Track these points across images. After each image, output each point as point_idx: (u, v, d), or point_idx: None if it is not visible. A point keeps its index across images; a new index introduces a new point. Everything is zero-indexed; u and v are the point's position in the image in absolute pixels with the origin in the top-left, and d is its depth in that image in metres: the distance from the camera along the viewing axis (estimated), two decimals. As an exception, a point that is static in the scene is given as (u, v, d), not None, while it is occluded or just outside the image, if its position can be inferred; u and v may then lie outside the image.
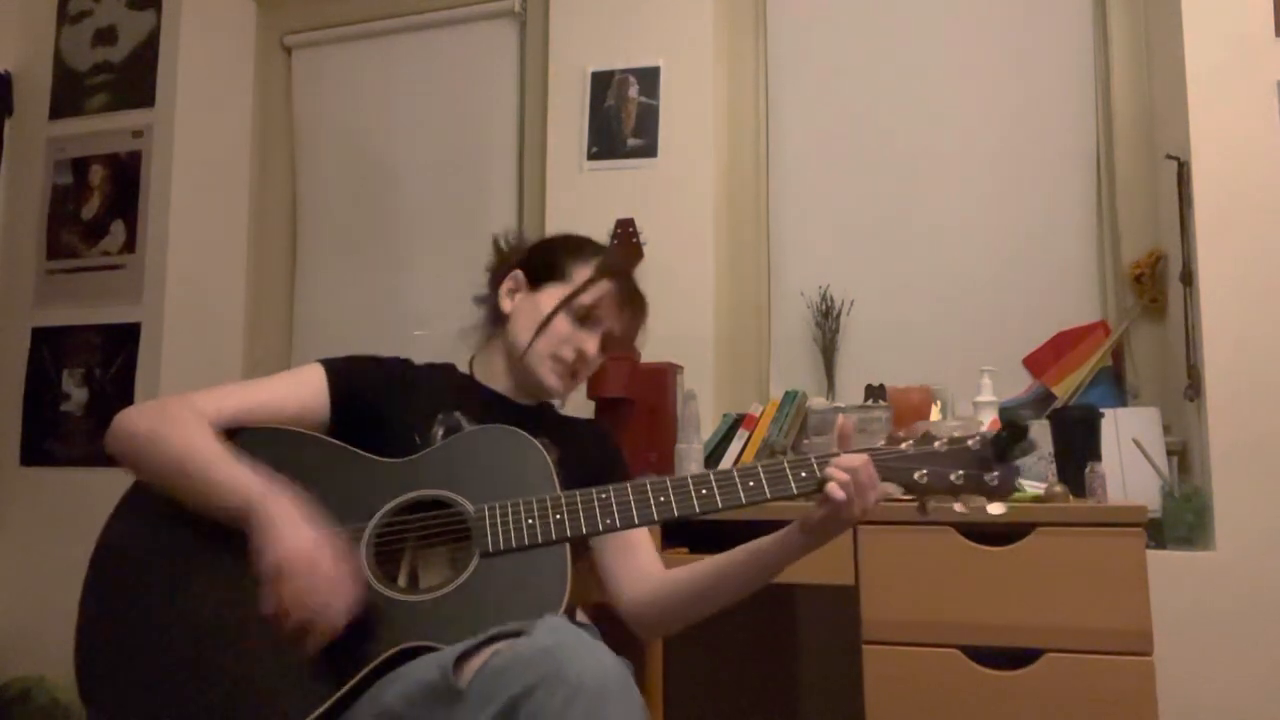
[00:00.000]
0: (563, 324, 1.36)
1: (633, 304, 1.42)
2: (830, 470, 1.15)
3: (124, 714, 1.07)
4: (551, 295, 1.38)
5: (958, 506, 1.18)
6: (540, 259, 1.43)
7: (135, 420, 1.21)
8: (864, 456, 1.16)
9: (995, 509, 1.17)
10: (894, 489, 1.21)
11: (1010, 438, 1.16)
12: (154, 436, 1.18)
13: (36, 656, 2.45)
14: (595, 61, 2.56)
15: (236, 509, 1.11)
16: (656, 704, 1.50)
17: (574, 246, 1.44)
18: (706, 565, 1.29)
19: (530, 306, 1.39)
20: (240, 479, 1.13)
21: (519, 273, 1.43)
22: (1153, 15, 2.25)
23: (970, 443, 1.18)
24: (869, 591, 1.69)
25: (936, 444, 1.19)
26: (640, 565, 1.35)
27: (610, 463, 1.44)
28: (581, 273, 1.38)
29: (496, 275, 1.47)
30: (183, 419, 1.19)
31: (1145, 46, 2.28)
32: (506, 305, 1.42)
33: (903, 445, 1.20)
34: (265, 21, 3.01)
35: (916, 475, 1.17)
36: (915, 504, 1.20)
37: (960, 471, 1.17)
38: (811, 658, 2.27)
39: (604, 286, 1.38)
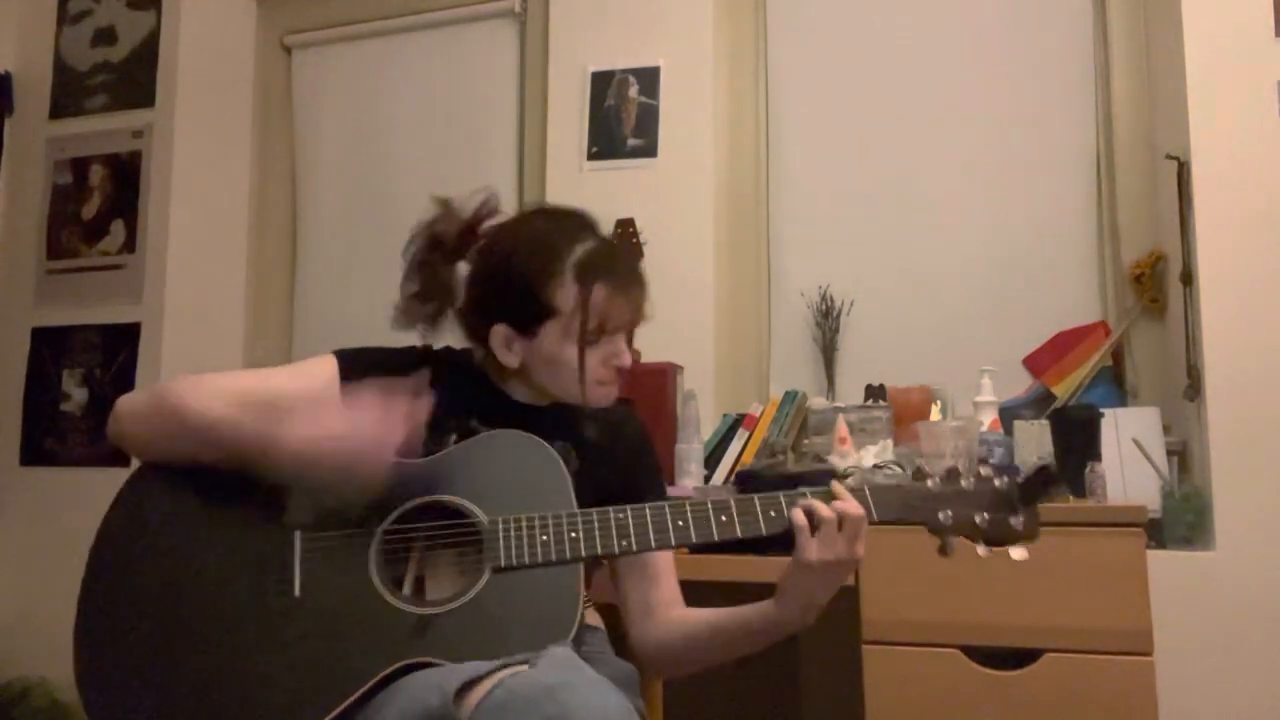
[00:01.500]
0: (588, 356, 1.24)
1: (632, 283, 1.26)
2: (796, 511, 1.13)
3: (120, 717, 1.07)
4: (554, 337, 1.24)
5: (980, 550, 1.16)
6: (517, 305, 1.24)
7: (145, 396, 1.20)
8: (849, 508, 1.12)
9: (1018, 554, 1.15)
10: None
11: (1041, 483, 1.14)
12: (181, 403, 1.16)
13: (36, 656, 2.45)
14: (595, 61, 2.56)
15: (248, 455, 1.12)
16: (657, 704, 1.49)
17: (539, 268, 1.23)
18: (710, 623, 1.26)
19: (539, 357, 1.26)
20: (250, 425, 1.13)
21: (503, 327, 1.26)
22: (1153, 15, 2.25)
23: (998, 483, 1.16)
24: (869, 591, 1.69)
25: (963, 482, 1.17)
26: (653, 604, 1.31)
27: (639, 459, 1.38)
28: (567, 294, 1.22)
29: (472, 323, 1.31)
30: (201, 387, 1.18)
31: (1145, 46, 2.28)
32: (511, 360, 1.27)
33: (928, 483, 1.17)
34: (265, 21, 3.01)
35: (941, 515, 1.15)
36: (937, 546, 1.17)
37: (985, 514, 1.15)
38: (811, 658, 2.27)
39: (600, 295, 1.22)
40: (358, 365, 1.30)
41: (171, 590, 1.12)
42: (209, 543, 1.14)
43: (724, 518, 1.15)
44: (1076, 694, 1.57)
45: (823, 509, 1.12)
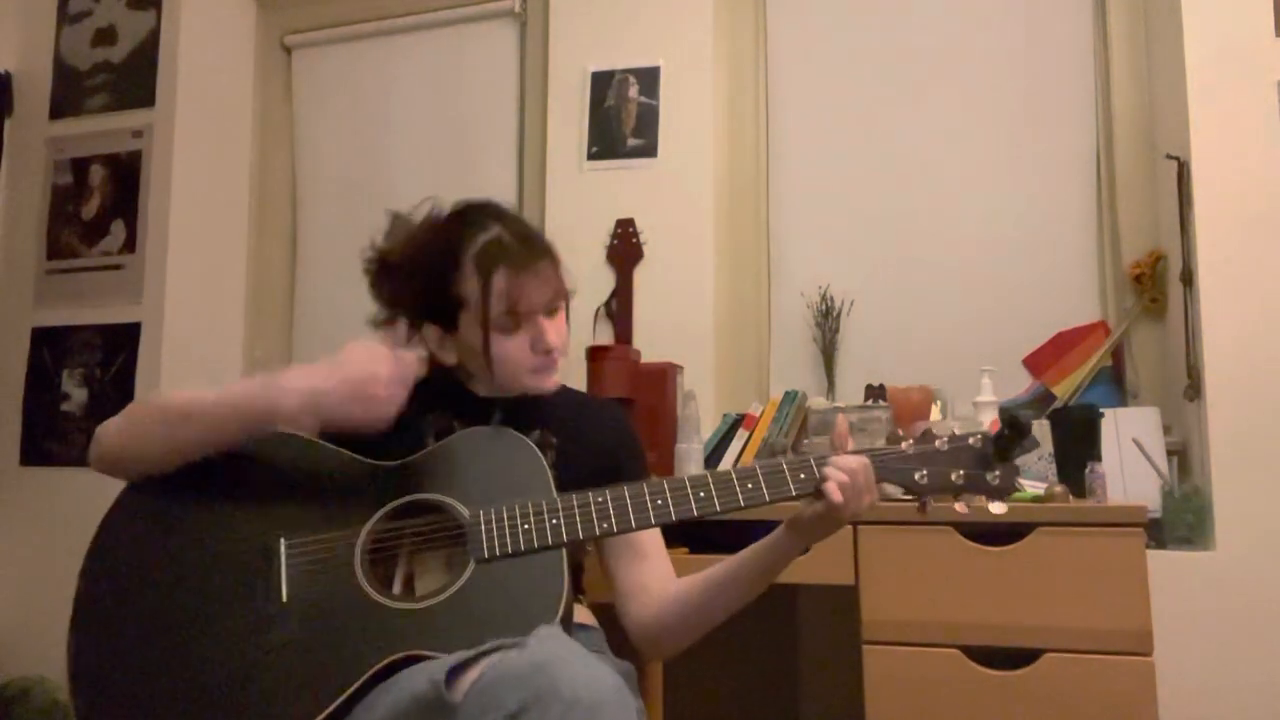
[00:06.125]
0: (507, 341, 1.26)
1: (537, 262, 1.25)
2: (829, 470, 1.14)
3: None
4: (472, 327, 1.25)
5: (959, 506, 1.17)
6: (429, 304, 1.29)
7: (125, 410, 1.25)
8: (863, 459, 1.15)
9: (997, 508, 1.16)
10: (894, 490, 1.21)
11: (1012, 436, 1.15)
12: (171, 397, 1.21)
13: (36, 656, 2.45)
14: (595, 61, 2.56)
15: (256, 414, 1.15)
16: (656, 704, 1.49)
17: (442, 263, 1.26)
18: (702, 578, 1.27)
19: (466, 348, 1.29)
20: (243, 389, 1.17)
21: (431, 327, 1.30)
22: (1153, 15, 2.25)
23: (971, 441, 1.18)
24: (869, 591, 1.69)
25: (937, 443, 1.18)
26: (646, 581, 1.31)
27: (621, 446, 1.39)
28: (470, 284, 1.24)
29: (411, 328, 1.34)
30: (169, 394, 1.24)
31: (1145, 46, 2.28)
32: (448, 358, 1.31)
33: (903, 445, 1.19)
34: (265, 21, 3.01)
35: (917, 476, 1.17)
36: (916, 504, 1.19)
37: (961, 471, 1.16)
38: (811, 658, 2.27)
39: (502, 280, 1.22)
40: None
41: (163, 599, 1.12)
42: (198, 551, 1.15)
43: (702, 494, 1.15)
44: (1076, 694, 1.57)
45: (852, 463, 1.14)
